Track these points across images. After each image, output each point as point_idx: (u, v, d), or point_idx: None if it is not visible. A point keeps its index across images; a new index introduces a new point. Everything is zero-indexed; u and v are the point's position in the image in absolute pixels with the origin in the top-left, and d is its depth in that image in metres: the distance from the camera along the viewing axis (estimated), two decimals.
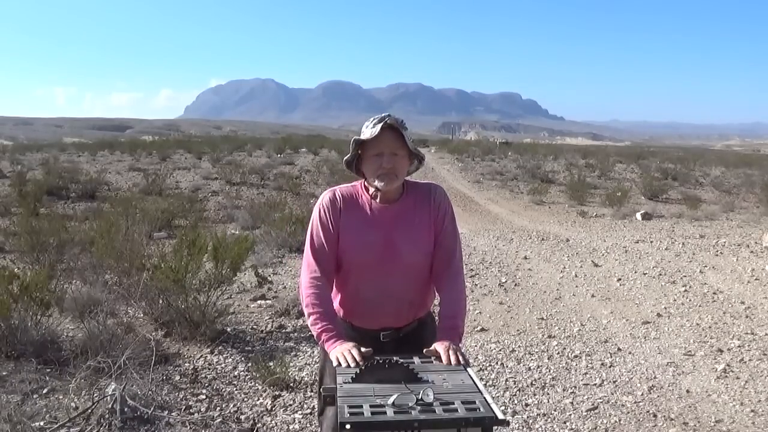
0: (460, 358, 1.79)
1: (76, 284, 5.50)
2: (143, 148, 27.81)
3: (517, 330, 5.26)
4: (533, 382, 4.09)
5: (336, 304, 2.07)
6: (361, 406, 1.48)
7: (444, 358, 1.78)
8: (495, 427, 1.48)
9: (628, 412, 3.64)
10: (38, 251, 6.85)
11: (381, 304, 2.00)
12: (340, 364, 1.76)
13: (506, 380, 4.13)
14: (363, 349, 1.80)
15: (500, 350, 4.74)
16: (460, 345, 1.88)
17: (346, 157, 2.03)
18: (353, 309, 2.05)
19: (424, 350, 1.85)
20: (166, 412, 3.35)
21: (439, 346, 1.83)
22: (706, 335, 5.09)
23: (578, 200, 15.59)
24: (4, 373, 3.67)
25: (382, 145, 1.92)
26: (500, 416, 1.45)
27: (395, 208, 2.01)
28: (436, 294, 2.11)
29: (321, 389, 1.80)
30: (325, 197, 2.03)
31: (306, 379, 4.00)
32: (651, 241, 9.93)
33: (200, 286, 4.75)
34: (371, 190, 2.01)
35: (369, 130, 1.91)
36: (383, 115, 1.93)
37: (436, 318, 2.07)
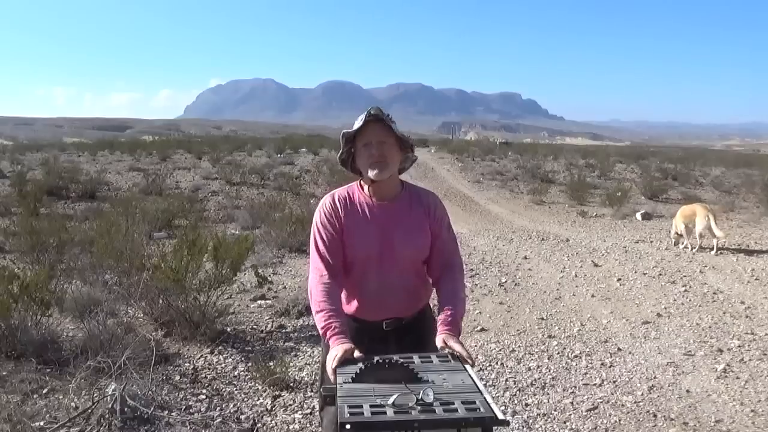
0: (470, 353, 1.85)
1: (76, 284, 5.50)
2: (143, 148, 27.80)
3: (517, 330, 5.26)
4: (533, 382, 4.09)
5: (342, 298, 2.11)
6: (361, 406, 1.48)
7: (458, 348, 1.83)
8: (495, 427, 1.47)
9: (628, 412, 3.64)
10: (38, 251, 6.85)
11: (383, 296, 2.06)
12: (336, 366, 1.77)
13: (506, 380, 4.13)
14: (356, 355, 1.81)
15: (500, 350, 4.74)
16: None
17: (339, 155, 2.11)
18: (357, 302, 2.10)
19: (438, 347, 1.88)
20: (166, 412, 3.35)
21: (452, 343, 1.86)
22: (706, 335, 5.09)
23: (578, 200, 15.58)
24: (4, 373, 3.67)
25: (369, 134, 1.99)
26: (500, 416, 1.45)
27: (392, 206, 2.08)
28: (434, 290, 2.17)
29: (321, 387, 1.81)
30: (325, 201, 2.10)
31: (306, 379, 4.00)
32: (651, 241, 9.93)
33: (200, 286, 4.75)
34: (366, 188, 2.09)
35: (356, 123, 2.00)
36: (369, 108, 2.00)
37: (434, 312, 2.10)
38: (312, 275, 2.04)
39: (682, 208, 9.64)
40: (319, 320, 1.94)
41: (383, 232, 2.04)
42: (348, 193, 2.11)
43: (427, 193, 2.17)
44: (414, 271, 2.11)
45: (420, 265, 2.12)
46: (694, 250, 8.85)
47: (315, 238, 2.07)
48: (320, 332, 1.94)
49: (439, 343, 1.90)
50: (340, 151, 2.09)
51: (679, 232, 9.20)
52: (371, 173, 1.99)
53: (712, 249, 8.78)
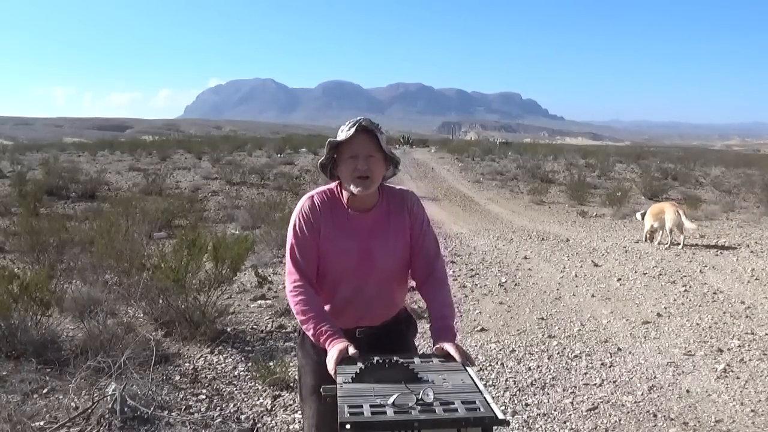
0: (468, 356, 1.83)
1: (76, 284, 5.50)
2: (143, 148, 27.80)
3: (517, 330, 5.26)
4: (533, 382, 4.10)
5: None
6: (361, 406, 1.48)
7: (458, 356, 1.79)
8: (495, 427, 1.48)
9: (628, 412, 3.64)
10: (38, 251, 6.85)
11: (357, 306, 2.03)
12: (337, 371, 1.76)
13: (506, 380, 4.13)
14: (351, 351, 1.80)
15: (500, 350, 4.75)
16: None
17: (320, 160, 2.03)
18: (330, 309, 2.05)
19: (434, 349, 1.86)
20: (166, 412, 3.35)
21: (448, 347, 1.83)
22: (706, 335, 5.09)
23: (578, 200, 15.58)
24: (4, 373, 3.67)
25: (356, 147, 1.92)
26: (500, 416, 1.45)
27: (371, 217, 2.02)
28: (410, 291, 2.16)
29: (321, 388, 1.80)
30: (304, 204, 2.03)
31: None
32: (651, 241, 9.93)
33: (200, 286, 4.75)
34: (346, 196, 2.01)
35: (344, 133, 1.92)
36: (358, 118, 1.94)
37: (419, 317, 2.08)
38: (287, 280, 1.99)
39: (651, 206, 10.11)
40: (308, 329, 1.92)
41: (361, 244, 1.99)
42: (327, 195, 2.04)
43: (402, 192, 2.11)
44: (394, 284, 2.07)
45: (402, 277, 2.08)
46: (665, 246, 9.25)
47: (291, 243, 2.00)
48: (314, 340, 1.92)
49: (450, 349, 1.84)
50: (323, 157, 2.01)
51: (651, 230, 9.66)
52: (354, 188, 1.93)
53: (679, 244, 9.19)
